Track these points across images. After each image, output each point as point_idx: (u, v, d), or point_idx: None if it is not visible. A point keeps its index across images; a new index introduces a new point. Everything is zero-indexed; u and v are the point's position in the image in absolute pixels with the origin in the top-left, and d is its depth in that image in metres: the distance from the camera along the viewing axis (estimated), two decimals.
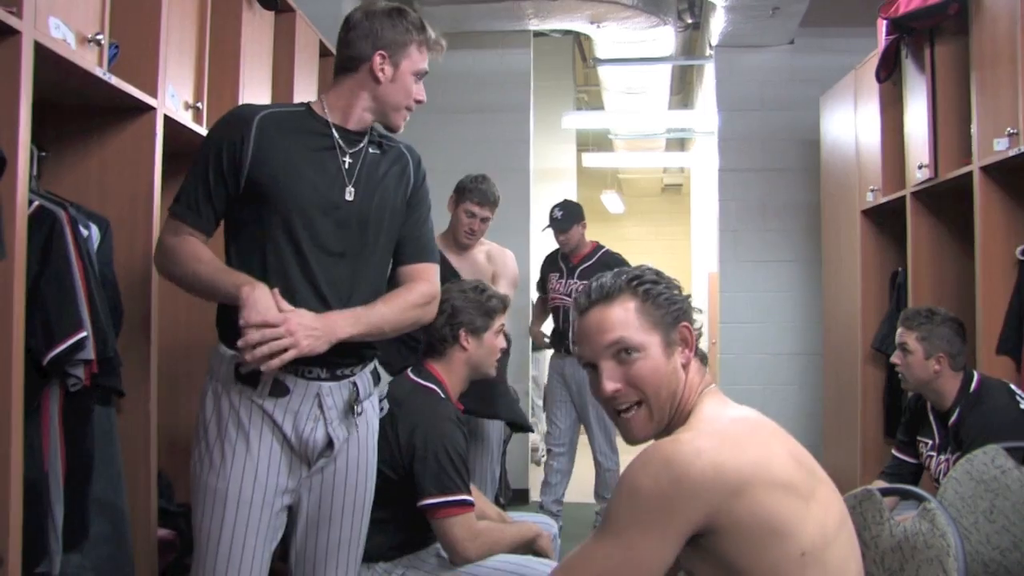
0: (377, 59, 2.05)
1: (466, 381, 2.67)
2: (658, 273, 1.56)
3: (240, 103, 2.99)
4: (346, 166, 2.06)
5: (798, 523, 1.35)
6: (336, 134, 2.07)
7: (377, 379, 2.19)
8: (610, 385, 1.50)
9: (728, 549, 1.35)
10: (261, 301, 1.86)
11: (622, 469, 4.97)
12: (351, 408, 2.06)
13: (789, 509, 1.35)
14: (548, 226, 4.93)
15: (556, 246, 5.03)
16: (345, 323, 1.96)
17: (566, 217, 4.87)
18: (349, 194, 2.04)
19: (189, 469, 2.05)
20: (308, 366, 1.98)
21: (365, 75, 2.06)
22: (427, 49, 2.11)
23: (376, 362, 2.18)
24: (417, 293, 2.13)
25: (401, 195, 2.15)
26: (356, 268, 2.07)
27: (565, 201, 5.04)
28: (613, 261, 4.79)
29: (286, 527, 2.08)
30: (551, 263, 5.08)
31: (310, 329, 1.88)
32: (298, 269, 2.00)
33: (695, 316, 1.55)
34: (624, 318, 1.51)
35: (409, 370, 2.62)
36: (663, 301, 1.52)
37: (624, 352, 1.50)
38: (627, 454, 5.33)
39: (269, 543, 2.02)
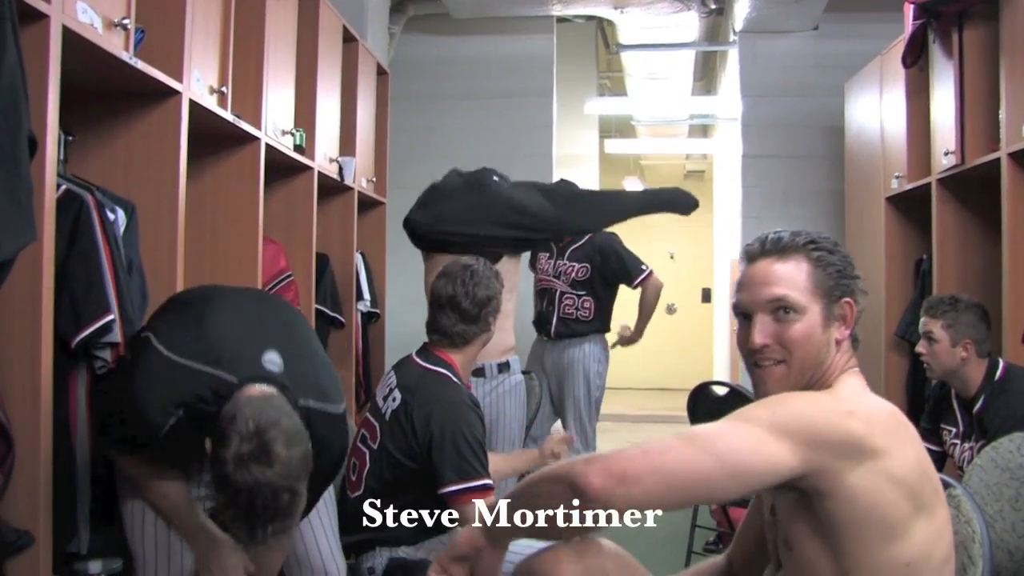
0: None
1: (475, 361, 2.67)
2: (836, 244, 1.53)
3: (263, 88, 3.02)
4: None
5: (906, 528, 1.34)
6: None
7: None
8: (760, 338, 1.48)
9: (836, 526, 1.34)
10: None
11: None
12: None
13: (900, 509, 1.34)
14: None
15: None
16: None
17: None
18: None
19: None
20: None
21: None
22: None
23: None
24: None
25: None
26: None
27: (563, 180, 4.60)
28: (606, 242, 4.64)
29: None
30: None
31: None
32: None
33: (860, 299, 1.52)
34: (793, 277, 1.48)
35: (414, 354, 2.59)
36: (834, 272, 1.49)
37: (783, 310, 1.47)
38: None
39: None
